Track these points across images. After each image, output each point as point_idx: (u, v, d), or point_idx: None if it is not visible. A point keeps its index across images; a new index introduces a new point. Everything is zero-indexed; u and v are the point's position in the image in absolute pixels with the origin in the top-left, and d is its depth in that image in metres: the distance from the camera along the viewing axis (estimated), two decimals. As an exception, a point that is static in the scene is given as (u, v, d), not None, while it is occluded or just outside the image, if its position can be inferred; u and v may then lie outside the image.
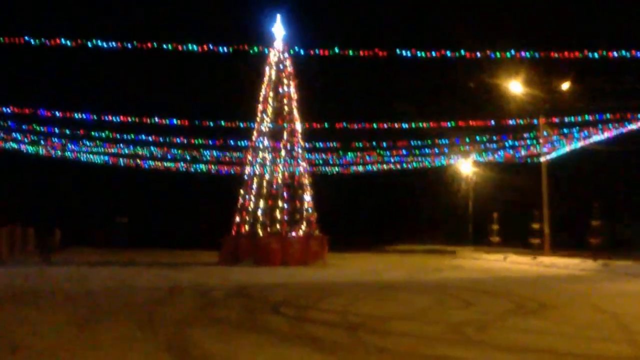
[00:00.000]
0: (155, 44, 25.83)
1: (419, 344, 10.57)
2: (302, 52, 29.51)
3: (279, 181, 35.07)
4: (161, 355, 9.63)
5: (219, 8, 77.38)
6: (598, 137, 36.04)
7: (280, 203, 34.65)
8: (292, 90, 36.37)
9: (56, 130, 35.33)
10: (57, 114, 33.68)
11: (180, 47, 26.47)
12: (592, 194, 43.56)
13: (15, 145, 36.99)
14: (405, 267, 33.00)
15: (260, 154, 35.78)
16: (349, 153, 41.00)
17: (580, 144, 37.95)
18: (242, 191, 35.84)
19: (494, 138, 38.87)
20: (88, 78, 60.84)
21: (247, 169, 36.60)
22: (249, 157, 36.84)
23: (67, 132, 35.59)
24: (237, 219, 35.40)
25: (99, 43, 25.09)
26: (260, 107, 36.33)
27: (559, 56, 25.93)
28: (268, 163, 35.49)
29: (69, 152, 39.49)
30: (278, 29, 36.28)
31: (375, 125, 36.97)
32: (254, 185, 35.35)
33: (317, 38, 52.20)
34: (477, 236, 53.37)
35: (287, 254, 33.25)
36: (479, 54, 26.84)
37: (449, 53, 26.54)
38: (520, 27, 53.58)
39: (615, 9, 57.18)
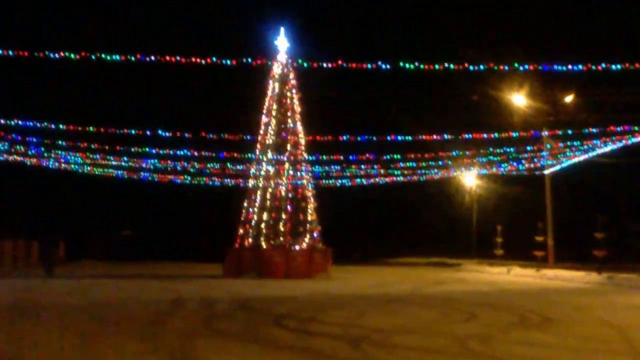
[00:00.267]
0: (158, 56, 25.84)
1: (424, 357, 10.55)
2: (305, 65, 29.45)
3: (283, 194, 35.03)
4: (164, 368, 9.61)
5: (223, 21, 77.50)
6: (602, 149, 35.96)
7: (283, 215, 34.60)
8: (296, 102, 36.37)
9: (60, 142, 35.30)
10: (61, 126, 33.72)
11: (183, 60, 26.47)
12: (596, 206, 43.53)
13: (19, 158, 36.96)
14: (409, 280, 32.91)
15: (264, 167, 35.76)
16: (353, 165, 40.91)
17: (584, 157, 37.86)
18: (245, 204, 35.80)
19: (498, 150, 38.77)
20: (92, 90, 60.87)
21: (251, 182, 36.58)
22: (253, 170, 36.80)
23: (71, 144, 35.56)
24: (241, 231, 35.33)
25: (103, 55, 25.11)
26: (263, 119, 36.32)
27: (563, 69, 25.92)
28: (271, 175, 35.45)
29: (72, 165, 39.47)
30: (282, 42, 36.31)
31: (378, 138, 36.91)
32: (258, 198, 35.31)
33: (320, 51, 52.15)
34: (481, 249, 53.22)
35: (290, 266, 33.19)
36: (482, 67, 26.82)
37: (452, 66, 26.49)
38: (523, 39, 53.67)
39: (619, 21, 57.24)
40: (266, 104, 36.36)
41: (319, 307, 18.18)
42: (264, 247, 34.09)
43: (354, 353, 10.81)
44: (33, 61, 25.10)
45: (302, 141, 36.43)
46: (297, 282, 30.07)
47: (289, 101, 36.18)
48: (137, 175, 41.91)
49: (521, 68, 27.28)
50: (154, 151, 36.77)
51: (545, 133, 38.15)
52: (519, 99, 39.40)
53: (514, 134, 36.72)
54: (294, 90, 36.35)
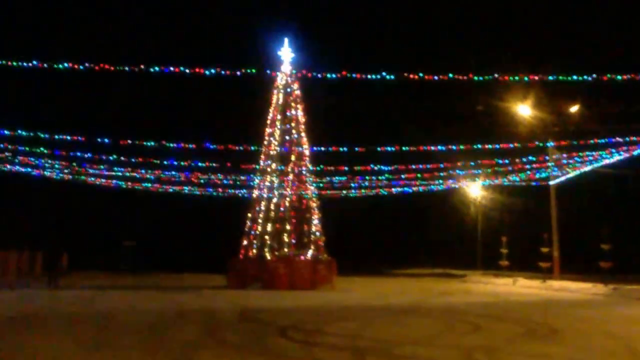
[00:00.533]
0: (162, 67, 25.84)
1: (429, 369, 10.46)
2: (309, 75, 29.44)
3: (287, 205, 34.95)
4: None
5: (227, 32, 77.70)
6: (607, 160, 35.85)
7: (287, 226, 34.52)
8: (300, 113, 36.33)
9: (65, 153, 35.31)
10: (67, 137, 33.71)
11: (188, 71, 26.48)
12: (601, 217, 43.35)
13: (23, 169, 36.98)
14: (414, 291, 32.82)
15: (268, 178, 35.70)
16: (357, 176, 40.85)
17: (589, 167, 37.76)
18: (249, 215, 35.74)
19: (503, 162, 38.68)
20: (95, 101, 60.99)
21: (255, 193, 36.51)
22: (257, 181, 36.76)
23: (76, 155, 35.57)
24: (245, 242, 35.28)
25: (107, 66, 25.11)
26: (268, 130, 36.29)
27: (568, 79, 25.86)
28: (276, 186, 35.40)
29: (77, 176, 39.47)
30: (286, 53, 36.34)
31: (383, 149, 36.85)
32: (262, 209, 35.25)
33: (325, 62, 52.28)
34: (486, 260, 53.07)
35: (294, 277, 33.08)
36: (487, 78, 26.76)
37: (457, 76, 26.44)
38: (529, 50, 53.63)
39: (625, 32, 57.18)
40: (270, 114, 36.35)
41: (324, 318, 18.11)
42: (268, 258, 33.99)
43: (358, 364, 10.74)
44: (37, 72, 25.11)
45: (307, 152, 36.37)
46: (302, 293, 30.00)
47: (293, 112, 36.14)
48: (140, 186, 41.89)
49: (526, 78, 27.24)
50: (158, 162, 36.74)
51: (550, 144, 38.05)
52: (524, 110, 39.34)
53: (519, 145, 36.65)
54: (298, 101, 36.32)
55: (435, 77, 26.46)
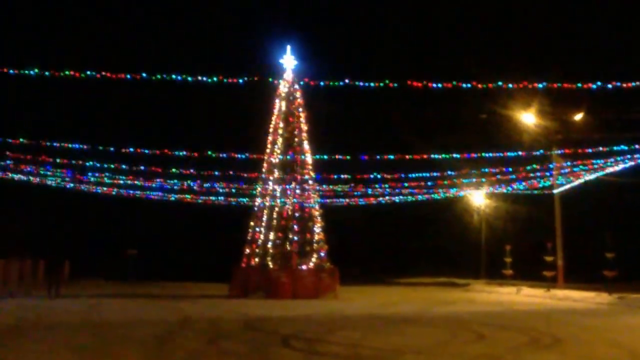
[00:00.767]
0: (164, 75, 25.77)
1: (432, 378, 10.35)
2: (312, 83, 29.36)
3: (289, 213, 34.85)
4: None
5: (229, 40, 77.79)
6: (612, 168, 35.73)
7: (290, 235, 34.41)
8: (303, 121, 36.23)
9: (67, 161, 35.27)
10: (68, 145, 33.66)
11: (189, 79, 26.41)
12: (606, 225, 43.19)
13: (25, 177, 36.94)
14: (417, 300, 32.73)
15: (271, 186, 35.60)
16: (360, 185, 40.76)
17: (593, 176, 37.62)
18: (252, 223, 35.66)
19: (507, 170, 38.57)
20: (98, 109, 61.08)
21: (257, 201, 36.42)
22: (259, 189, 36.67)
23: (78, 163, 35.52)
24: (247, 251, 35.19)
25: (109, 75, 25.04)
26: (270, 138, 36.21)
27: (572, 87, 25.76)
28: (278, 195, 35.29)
29: (79, 184, 39.43)
30: (288, 60, 36.26)
31: (386, 157, 36.75)
32: (264, 217, 35.16)
33: (327, 69, 52.28)
34: (490, 269, 52.93)
35: (297, 286, 32.96)
36: (491, 85, 26.66)
37: (461, 84, 26.34)
38: (532, 57, 53.58)
39: (630, 40, 57.16)
40: (273, 122, 36.26)
41: (326, 328, 18.04)
42: (271, 266, 33.88)
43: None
44: (37, 80, 25.06)
45: (309, 160, 36.26)
46: (304, 302, 29.96)
47: (295, 120, 36.04)
48: (143, 194, 41.83)
49: (530, 86, 27.12)
50: (160, 170, 36.67)
51: (555, 152, 37.93)
52: (528, 118, 39.24)
53: (524, 153, 36.54)
54: (300, 109, 36.23)
55: (439, 85, 26.37)
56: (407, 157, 36.41)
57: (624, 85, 24.52)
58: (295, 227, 34.53)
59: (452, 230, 60.96)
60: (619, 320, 21.07)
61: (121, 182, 38.57)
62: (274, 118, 36.28)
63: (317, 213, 35.88)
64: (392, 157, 36.26)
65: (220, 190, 40.84)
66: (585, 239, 47.03)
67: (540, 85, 26.86)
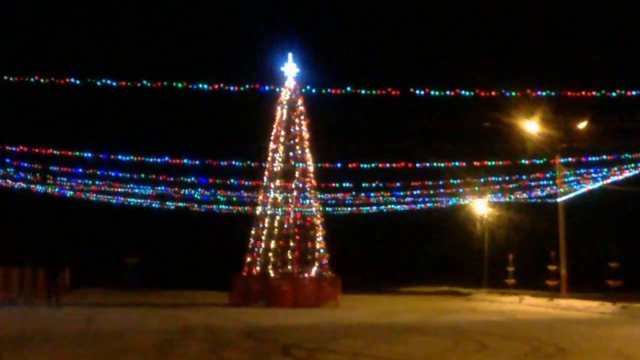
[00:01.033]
0: (165, 83, 25.65)
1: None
2: (314, 91, 29.23)
3: (291, 221, 34.77)
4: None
5: (231, 47, 77.83)
6: (616, 177, 35.59)
7: (291, 243, 34.31)
8: (304, 129, 36.15)
9: (65, 169, 35.16)
10: (68, 153, 33.55)
11: (190, 86, 26.29)
12: (610, 235, 43.03)
13: (25, 185, 36.86)
14: (419, 309, 32.63)
15: (272, 194, 35.52)
16: (362, 193, 40.64)
17: (597, 184, 37.49)
18: (253, 231, 35.57)
19: (510, 178, 38.45)
20: (98, 117, 61.00)
21: (259, 209, 36.34)
22: (261, 197, 36.57)
23: (78, 171, 35.42)
24: (248, 259, 35.10)
25: (109, 82, 24.94)
26: (271, 146, 36.12)
27: (576, 95, 25.64)
28: (279, 203, 35.20)
29: (79, 192, 39.35)
30: (290, 68, 36.15)
31: (388, 165, 36.63)
32: (266, 226, 35.07)
33: (329, 77, 52.16)
34: (492, 278, 52.71)
35: (298, 295, 32.88)
36: (494, 93, 26.55)
37: (463, 92, 26.22)
38: (536, 65, 53.48)
39: (634, 47, 56.99)
40: (274, 130, 36.19)
41: (328, 336, 17.97)
42: (272, 275, 33.78)
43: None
44: (38, 87, 24.95)
45: (311, 168, 36.16)
46: (306, 311, 29.93)
47: (297, 128, 35.96)
48: (143, 202, 41.75)
49: (534, 94, 27.01)
50: (161, 178, 36.56)
51: (559, 160, 37.81)
52: (531, 126, 39.13)
53: (526, 161, 36.43)
54: (302, 117, 36.14)
55: (442, 93, 26.23)
56: (409, 165, 36.29)
57: (628, 93, 24.39)
58: (297, 235, 34.45)
59: (455, 239, 60.77)
60: (622, 330, 20.92)
61: (121, 190, 38.45)
62: (275, 126, 36.21)
63: (318, 221, 35.80)
64: (394, 165, 36.14)
65: (221, 199, 40.74)
66: (588, 248, 46.90)
67: (544, 93, 26.76)
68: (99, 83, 24.82)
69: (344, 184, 39.00)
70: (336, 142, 46.07)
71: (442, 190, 40.70)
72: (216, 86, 26.56)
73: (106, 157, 33.83)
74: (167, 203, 42.36)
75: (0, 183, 36.02)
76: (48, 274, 35.25)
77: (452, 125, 47.34)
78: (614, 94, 24.67)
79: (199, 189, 39.45)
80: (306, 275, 34.11)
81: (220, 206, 42.81)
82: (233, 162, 35.17)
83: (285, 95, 36.14)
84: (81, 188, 38.42)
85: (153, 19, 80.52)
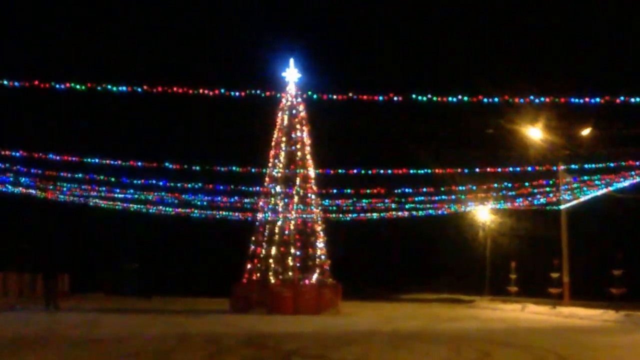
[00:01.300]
0: (165, 88, 25.51)
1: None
2: (315, 96, 29.07)
3: (292, 228, 34.66)
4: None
5: (231, 52, 77.82)
6: (619, 184, 35.43)
7: (292, 250, 34.21)
8: (305, 135, 36.05)
9: (66, 174, 35.03)
10: (68, 158, 33.40)
11: (191, 92, 26.11)
12: (613, 242, 42.84)
13: (24, 190, 36.73)
14: (420, 316, 32.50)
15: (273, 200, 35.41)
16: (363, 199, 40.47)
17: (601, 192, 37.31)
18: (253, 238, 35.47)
19: (512, 185, 38.29)
20: (98, 122, 60.96)
21: (259, 216, 36.23)
22: (261, 204, 36.44)
23: (77, 176, 35.29)
24: (249, 266, 34.99)
25: (109, 87, 24.78)
26: (272, 152, 35.99)
27: (580, 101, 25.46)
28: (280, 209, 35.09)
29: (78, 197, 39.21)
30: (291, 74, 36.03)
31: (390, 172, 36.47)
32: (266, 232, 34.97)
33: (330, 82, 52.06)
34: (494, 285, 52.61)
35: (299, 302, 32.76)
36: (497, 100, 26.39)
37: (466, 98, 26.04)
38: (539, 72, 53.32)
39: (638, 53, 56.82)
40: (275, 136, 36.07)
41: (329, 344, 17.81)
42: (273, 282, 33.65)
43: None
44: (37, 92, 24.79)
45: (312, 174, 36.03)
46: (306, 317, 29.85)
47: (298, 133, 35.85)
48: (144, 208, 41.59)
49: (537, 100, 26.82)
50: (161, 184, 36.39)
51: (562, 167, 37.65)
52: (534, 132, 39.00)
53: (530, 168, 36.28)
54: (303, 122, 36.03)
55: (444, 99, 26.05)
56: (411, 171, 36.14)
57: (632, 99, 24.19)
58: (298, 242, 34.34)
59: (457, 246, 60.66)
60: (626, 338, 20.73)
61: (121, 195, 38.32)
62: (276, 132, 36.12)
63: (319, 228, 35.69)
64: (396, 171, 35.96)
65: (222, 205, 40.57)
66: (592, 255, 46.70)
67: (547, 100, 26.58)
68: (99, 88, 24.66)
69: (345, 191, 38.85)
70: (338, 147, 46.00)
71: (444, 197, 40.54)
72: (217, 91, 26.40)
73: (105, 162, 33.77)
74: (167, 209, 42.19)
75: (-1, 188, 35.92)
76: (45, 279, 35.17)
77: (455, 132, 47.26)
78: (618, 99, 24.49)
79: (200, 195, 39.26)
80: (307, 281, 34.02)
81: (221, 212, 42.65)
82: (233, 168, 35.04)
83: (286, 101, 36.03)
84: (81, 193, 38.24)
85: (154, 24, 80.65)
